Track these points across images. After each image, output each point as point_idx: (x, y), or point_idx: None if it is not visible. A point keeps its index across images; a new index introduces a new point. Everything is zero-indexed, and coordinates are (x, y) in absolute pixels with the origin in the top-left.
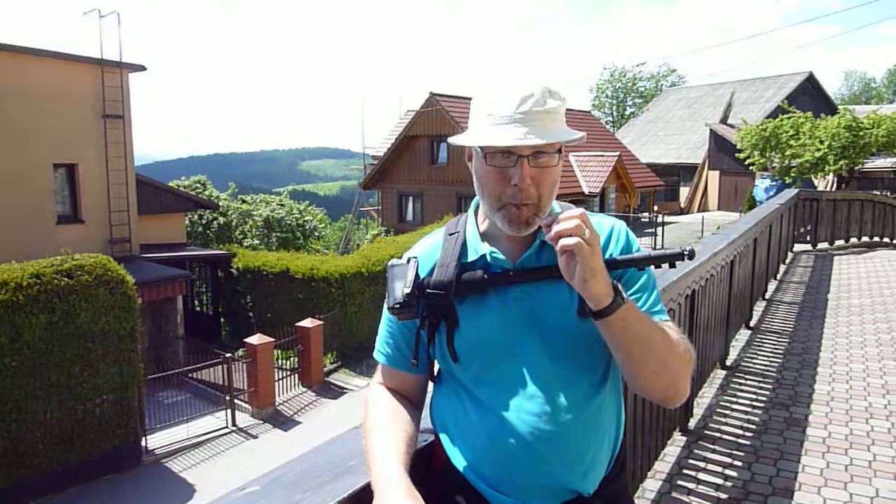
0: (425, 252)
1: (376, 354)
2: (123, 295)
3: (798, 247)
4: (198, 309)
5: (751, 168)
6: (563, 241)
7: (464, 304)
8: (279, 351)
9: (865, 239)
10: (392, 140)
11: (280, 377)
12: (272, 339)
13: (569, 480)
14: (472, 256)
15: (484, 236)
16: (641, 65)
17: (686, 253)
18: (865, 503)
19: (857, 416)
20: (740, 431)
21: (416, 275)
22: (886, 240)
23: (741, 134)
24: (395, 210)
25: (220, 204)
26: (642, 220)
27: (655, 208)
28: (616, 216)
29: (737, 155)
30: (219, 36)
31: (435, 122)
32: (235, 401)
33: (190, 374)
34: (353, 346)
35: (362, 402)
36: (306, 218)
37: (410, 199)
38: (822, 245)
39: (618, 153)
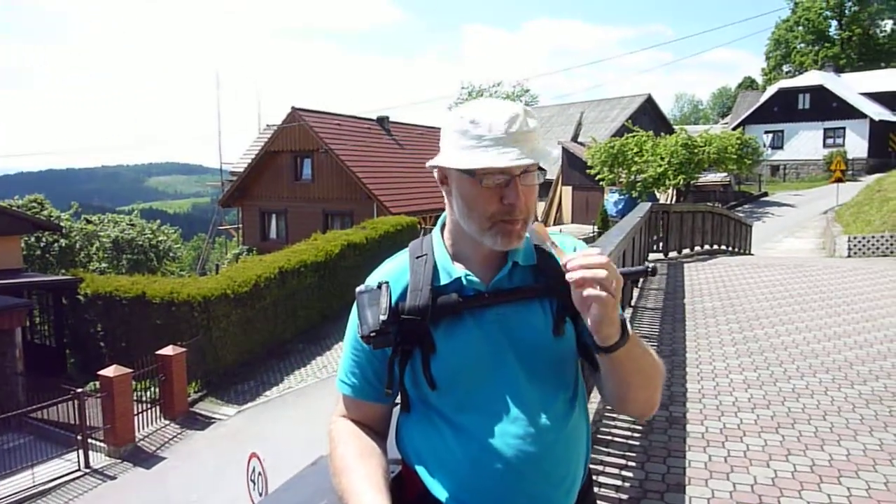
0: (393, 276)
1: (339, 386)
2: None
3: (652, 256)
4: (37, 342)
5: (601, 183)
6: (590, 292)
7: (439, 329)
8: (137, 382)
9: (707, 247)
10: (252, 155)
11: (139, 410)
12: (130, 370)
13: (554, 498)
14: (444, 279)
15: (454, 259)
16: (497, 85)
17: (649, 270)
18: (747, 490)
19: (727, 410)
20: (629, 433)
21: (390, 300)
22: (724, 247)
23: (591, 152)
24: (258, 228)
25: (62, 225)
26: None
27: None
28: None
29: (587, 171)
30: (43, 40)
31: (298, 137)
32: (88, 440)
33: (32, 414)
34: (219, 373)
35: (326, 438)
36: (160, 238)
37: (274, 216)
38: (673, 254)
39: None
